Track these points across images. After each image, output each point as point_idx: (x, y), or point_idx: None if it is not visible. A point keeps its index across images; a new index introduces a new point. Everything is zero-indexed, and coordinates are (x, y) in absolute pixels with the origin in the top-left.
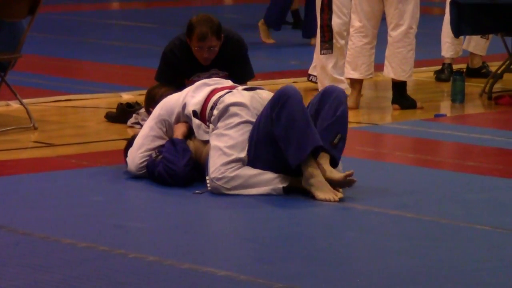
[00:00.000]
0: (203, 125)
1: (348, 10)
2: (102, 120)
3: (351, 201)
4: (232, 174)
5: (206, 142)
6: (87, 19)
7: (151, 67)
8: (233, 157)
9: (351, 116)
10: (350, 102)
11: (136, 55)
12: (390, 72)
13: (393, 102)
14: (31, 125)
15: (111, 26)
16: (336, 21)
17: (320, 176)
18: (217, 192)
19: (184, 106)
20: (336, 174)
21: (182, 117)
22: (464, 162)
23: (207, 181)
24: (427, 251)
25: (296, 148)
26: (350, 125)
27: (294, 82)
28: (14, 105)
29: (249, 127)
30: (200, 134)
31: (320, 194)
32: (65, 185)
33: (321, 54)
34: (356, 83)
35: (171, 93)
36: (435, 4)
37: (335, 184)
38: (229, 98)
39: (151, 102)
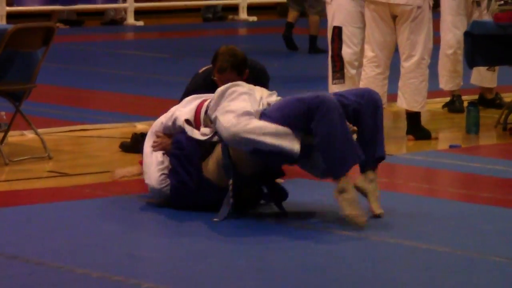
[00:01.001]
0: (195, 130)
1: (358, 40)
2: (117, 150)
3: (364, 231)
4: (249, 120)
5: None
6: (101, 49)
7: (166, 97)
8: (244, 110)
9: None
10: None
11: (150, 85)
12: (403, 103)
13: (408, 132)
14: (46, 154)
15: (125, 56)
16: (346, 51)
17: (353, 192)
18: (235, 139)
19: (174, 121)
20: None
21: (173, 129)
22: (479, 193)
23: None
24: (442, 283)
25: (337, 164)
26: None
27: None
28: (29, 135)
29: (252, 98)
30: (196, 134)
31: (348, 210)
32: (79, 215)
33: (333, 84)
34: None
35: None
36: None
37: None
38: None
39: None
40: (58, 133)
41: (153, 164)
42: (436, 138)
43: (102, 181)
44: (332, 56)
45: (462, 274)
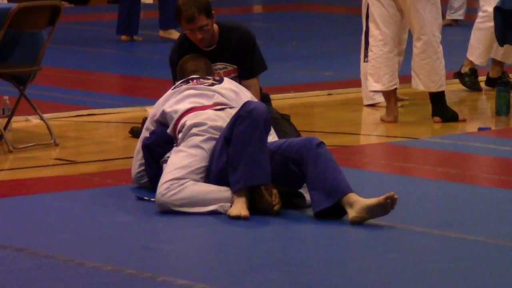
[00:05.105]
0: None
1: None
2: (127, 135)
3: (390, 220)
4: (178, 189)
5: None
6: (108, 29)
7: None
8: (182, 174)
9: (390, 130)
10: (387, 116)
11: (161, 67)
12: (419, 84)
13: (434, 114)
14: (52, 141)
15: None
16: None
17: (240, 208)
18: (164, 209)
19: (162, 113)
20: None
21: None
22: (511, 178)
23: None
24: (474, 273)
25: (240, 174)
26: (389, 140)
27: (329, 94)
28: (34, 120)
29: (209, 144)
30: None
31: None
32: (88, 204)
33: (364, 62)
34: (389, 95)
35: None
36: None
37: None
38: (191, 120)
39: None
40: (64, 119)
41: (140, 154)
42: (464, 120)
43: (112, 169)
44: (366, 33)
45: (495, 264)
